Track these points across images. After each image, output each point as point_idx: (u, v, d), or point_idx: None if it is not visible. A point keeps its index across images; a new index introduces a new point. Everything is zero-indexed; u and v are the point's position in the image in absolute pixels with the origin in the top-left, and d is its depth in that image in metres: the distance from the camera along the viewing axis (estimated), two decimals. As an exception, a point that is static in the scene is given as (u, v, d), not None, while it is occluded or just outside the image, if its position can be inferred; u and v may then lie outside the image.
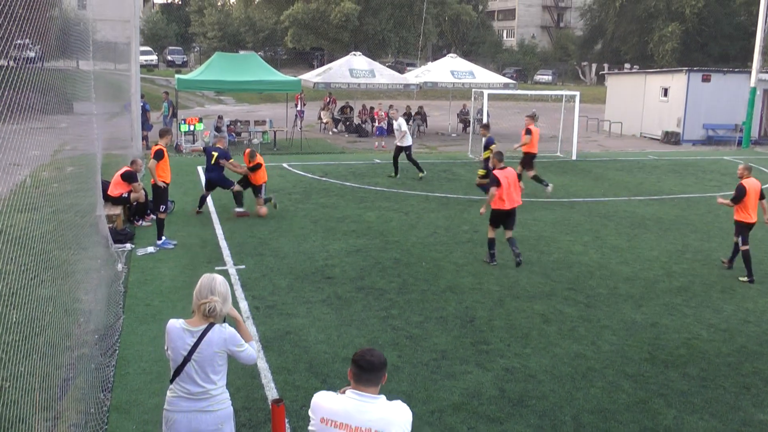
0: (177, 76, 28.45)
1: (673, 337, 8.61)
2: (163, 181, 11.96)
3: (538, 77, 67.63)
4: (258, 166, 14.20)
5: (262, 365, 7.44)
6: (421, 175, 19.16)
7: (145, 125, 22.65)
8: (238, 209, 14.22)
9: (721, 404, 6.97)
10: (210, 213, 14.44)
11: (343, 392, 3.71)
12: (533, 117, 18.66)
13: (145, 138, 22.37)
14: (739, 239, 11.10)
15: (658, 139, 31.14)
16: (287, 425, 6.11)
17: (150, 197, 13.06)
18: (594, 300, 9.87)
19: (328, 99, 32.12)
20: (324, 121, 31.48)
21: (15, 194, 6.46)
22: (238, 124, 26.78)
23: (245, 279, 10.31)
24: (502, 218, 11.29)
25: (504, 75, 48.46)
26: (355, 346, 7.83)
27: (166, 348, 4.39)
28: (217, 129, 24.42)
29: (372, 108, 31.64)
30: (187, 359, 4.27)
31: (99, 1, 15.55)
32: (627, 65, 65.93)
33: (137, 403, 6.60)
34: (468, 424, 6.43)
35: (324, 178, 18.90)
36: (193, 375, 4.29)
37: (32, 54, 7.28)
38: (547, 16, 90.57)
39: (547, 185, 17.23)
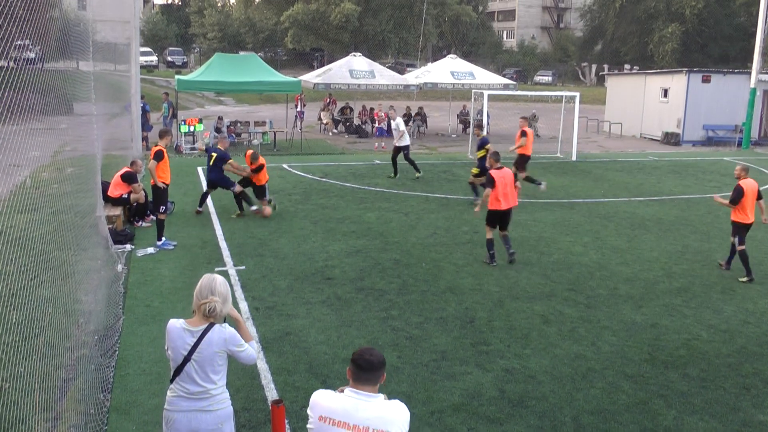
0: (177, 76, 28.46)
1: (673, 338, 8.62)
2: (163, 182, 11.96)
3: (538, 78, 67.66)
4: (261, 167, 14.28)
5: (262, 366, 7.44)
6: (417, 175, 19.21)
7: (145, 126, 22.65)
8: (254, 207, 14.30)
9: (721, 405, 6.97)
10: (210, 214, 14.44)
11: (342, 391, 3.72)
12: (527, 119, 18.88)
13: (145, 139, 22.36)
14: (736, 239, 11.13)
15: (658, 140, 31.14)
16: (287, 426, 6.11)
17: (150, 198, 13.06)
18: (594, 301, 9.87)
19: (328, 100, 32.13)
20: (324, 121, 31.49)
21: (15, 195, 6.46)
22: (238, 124, 26.79)
23: (245, 280, 10.31)
24: (499, 219, 11.38)
25: (504, 76, 48.48)
26: (355, 347, 7.82)
27: (166, 348, 4.40)
28: (217, 130, 24.43)
29: (372, 109, 31.64)
30: (187, 359, 4.29)
31: (99, 1, 15.57)
32: (627, 66, 65.95)
33: (137, 404, 6.60)
34: (468, 425, 6.43)
35: (324, 179, 18.91)
36: (193, 375, 4.31)
37: (32, 55, 7.28)
38: (547, 16, 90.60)
39: (539, 183, 17.29)
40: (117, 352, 7.68)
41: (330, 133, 30.63)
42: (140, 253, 11.51)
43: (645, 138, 32.11)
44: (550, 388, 7.19)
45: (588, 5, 73.13)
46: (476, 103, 27.53)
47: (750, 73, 29.68)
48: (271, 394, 6.87)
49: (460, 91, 32.62)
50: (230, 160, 14.14)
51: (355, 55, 31.40)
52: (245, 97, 42.26)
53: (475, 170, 16.28)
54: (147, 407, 6.51)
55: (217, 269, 10.47)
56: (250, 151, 14.58)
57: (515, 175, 13.01)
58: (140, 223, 13.42)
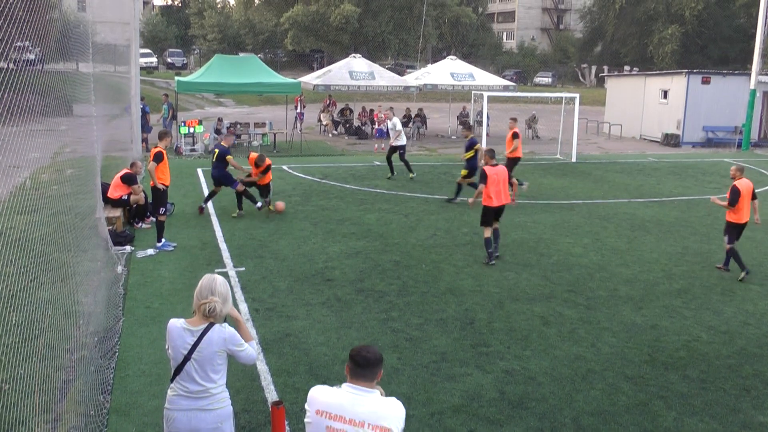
0: (177, 78, 28.44)
1: (673, 339, 8.61)
2: (163, 184, 11.96)
3: (537, 79, 67.68)
4: (268, 168, 14.56)
5: (262, 367, 7.43)
6: (411, 176, 19.26)
7: (145, 127, 22.64)
8: (259, 204, 14.41)
9: (721, 406, 6.97)
10: (210, 215, 14.44)
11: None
12: (517, 120, 19.21)
13: (144, 140, 22.35)
14: (726, 238, 11.20)
15: (657, 142, 31.15)
16: (287, 427, 6.11)
17: (150, 199, 13.07)
18: (594, 302, 9.87)
19: (327, 101, 32.14)
20: (324, 123, 31.50)
21: (15, 196, 6.46)
22: (238, 126, 26.77)
23: (245, 281, 10.31)
24: (492, 215, 11.56)
25: (504, 77, 48.45)
26: (354, 348, 7.82)
27: (166, 347, 4.43)
28: (217, 131, 24.43)
29: (372, 110, 31.65)
30: (187, 358, 4.31)
31: (99, 3, 15.58)
32: (627, 67, 66.01)
33: (137, 406, 6.60)
34: (468, 426, 6.43)
35: (324, 180, 18.91)
36: (193, 374, 4.33)
37: (32, 56, 7.29)
38: (546, 18, 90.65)
39: (522, 184, 17.31)
40: (117, 354, 7.68)
41: (330, 135, 30.64)
42: (140, 254, 11.51)
43: (645, 139, 32.13)
44: (550, 390, 7.19)
45: (588, 7, 73.20)
46: (476, 105, 27.57)
47: (750, 75, 29.70)
48: (271, 395, 6.87)
49: (459, 92, 32.62)
50: (228, 156, 14.15)
51: (354, 57, 31.42)
52: (245, 99, 42.27)
53: (464, 172, 16.37)
54: (147, 409, 6.51)
55: (217, 271, 10.45)
56: (254, 154, 14.65)
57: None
58: (140, 224, 13.42)
